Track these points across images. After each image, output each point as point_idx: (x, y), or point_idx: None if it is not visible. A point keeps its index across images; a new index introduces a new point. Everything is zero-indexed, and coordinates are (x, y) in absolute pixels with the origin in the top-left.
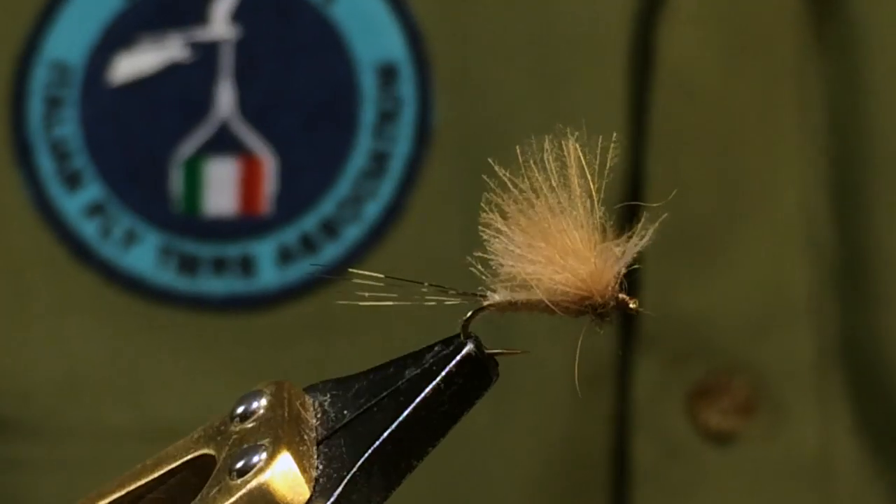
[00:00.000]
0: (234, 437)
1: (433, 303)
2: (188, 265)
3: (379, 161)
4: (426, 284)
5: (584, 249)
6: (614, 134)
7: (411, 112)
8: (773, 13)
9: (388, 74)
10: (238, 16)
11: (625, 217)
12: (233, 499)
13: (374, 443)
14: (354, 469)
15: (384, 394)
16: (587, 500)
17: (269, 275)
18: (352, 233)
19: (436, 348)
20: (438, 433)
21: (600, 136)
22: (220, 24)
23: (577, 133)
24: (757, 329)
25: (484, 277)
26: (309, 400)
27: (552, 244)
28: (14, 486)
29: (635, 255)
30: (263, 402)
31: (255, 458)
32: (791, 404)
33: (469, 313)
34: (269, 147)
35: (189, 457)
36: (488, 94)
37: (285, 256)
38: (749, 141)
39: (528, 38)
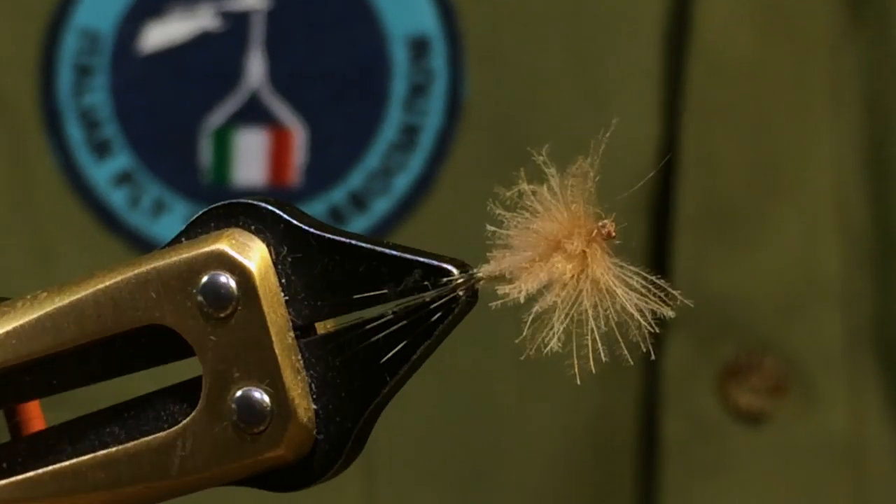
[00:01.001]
0: (212, 339)
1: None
2: None
3: (409, 134)
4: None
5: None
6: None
7: (442, 85)
8: None
9: (419, 47)
10: None
11: (659, 192)
12: (245, 464)
13: (372, 400)
14: (357, 429)
15: (368, 321)
16: (615, 478)
17: None
18: (381, 205)
19: (421, 281)
20: (420, 365)
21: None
22: None
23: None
24: (788, 309)
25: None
26: (271, 271)
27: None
28: None
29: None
30: (232, 285)
31: (259, 407)
32: (822, 385)
33: (460, 279)
34: (299, 118)
35: (141, 325)
36: (520, 67)
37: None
38: (783, 118)
39: (561, 12)
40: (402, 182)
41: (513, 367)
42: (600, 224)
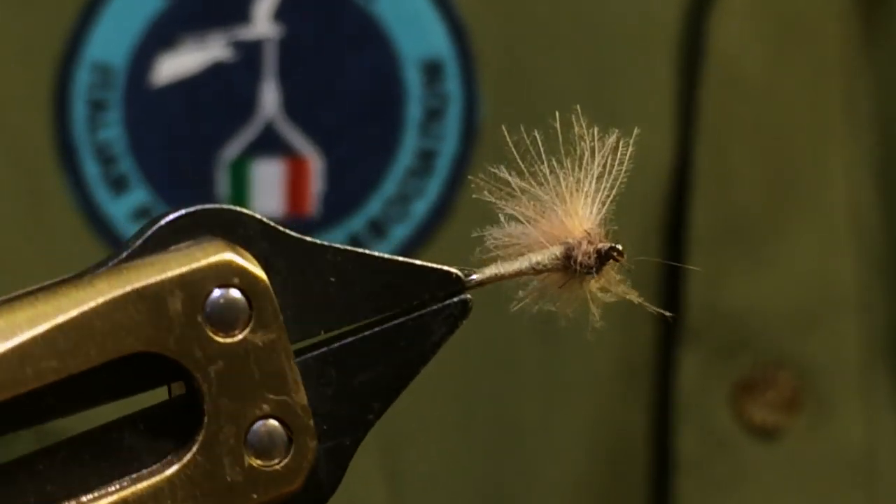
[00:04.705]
0: (218, 365)
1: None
2: None
3: (426, 159)
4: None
5: (565, 210)
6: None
7: (457, 109)
8: (822, 5)
9: (433, 71)
10: (280, 14)
11: (673, 209)
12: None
13: (370, 420)
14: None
15: (371, 337)
16: (629, 492)
17: None
18: (400, 232)
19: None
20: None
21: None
22: (263, 23)
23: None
24: (803, 323)
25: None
26: (263, 277)
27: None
28: None
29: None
30: (243, 300)
31: (275, 439)
32: (837, 399)
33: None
34: (315, 147)
35: (131, 353)
36: (535, 89)
37: None
38: (797, 134)
39: (575, 31)
40: (420, 208)
41: (535, 387)
42: (612, 244)
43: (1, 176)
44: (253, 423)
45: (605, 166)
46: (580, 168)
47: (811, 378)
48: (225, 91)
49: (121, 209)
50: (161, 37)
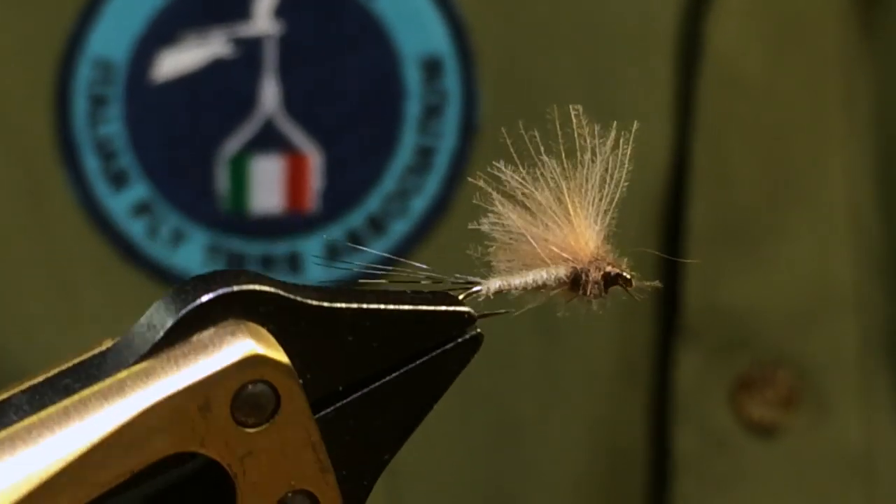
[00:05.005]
0: (248, 454)
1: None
2: (236, 263)
3: (424, 156)
4: (428, 268)
5: (570, 224)
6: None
7: (456, 106)
8: (821, 5)
9: (432, 68)
10: (281, 11)
11: (672, 208)
12: None
13: (388, 457)
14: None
15: (387, 383)
16: (630, 491)
17: (316, 272)
18: (399, 227)
19: (434, 330)
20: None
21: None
22: (263, 19)
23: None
24: (802, 321)
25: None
26: (286, 363)
27: (548, 221)
28: None
29: (610, 228)
30: (268, 389)
31: None
32: (835, 397)
33: (462, 296)
34: (314, 143)
35: (164, 457)
36: (535, 87)
37: (332, 253)
38: (795, 132)
39: (574, 30)
40: (418, 204)
41: (534, 386)
42: (619, 269)
43: (1, 171)
44: (283, 499)
45: (606, 170)
46: (581, 173)
47: (810, 377)
48: (225, 87)
49: (121, 204)
50: (162, 33)
